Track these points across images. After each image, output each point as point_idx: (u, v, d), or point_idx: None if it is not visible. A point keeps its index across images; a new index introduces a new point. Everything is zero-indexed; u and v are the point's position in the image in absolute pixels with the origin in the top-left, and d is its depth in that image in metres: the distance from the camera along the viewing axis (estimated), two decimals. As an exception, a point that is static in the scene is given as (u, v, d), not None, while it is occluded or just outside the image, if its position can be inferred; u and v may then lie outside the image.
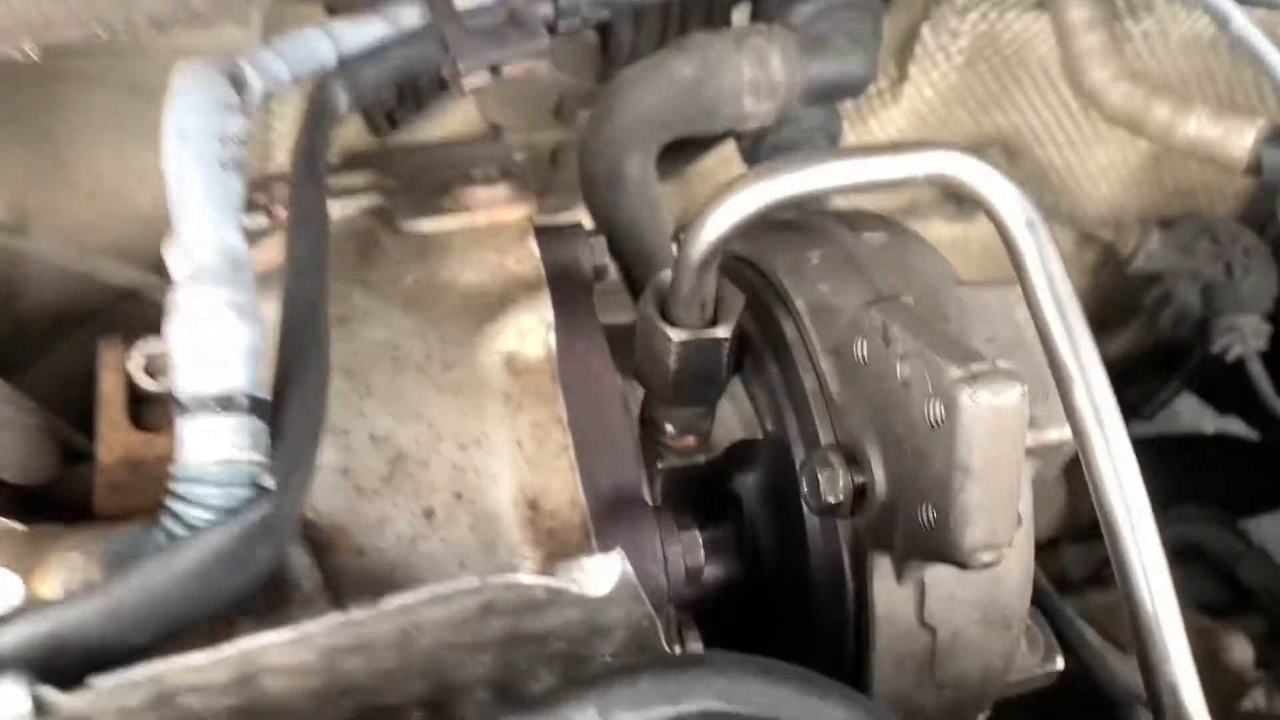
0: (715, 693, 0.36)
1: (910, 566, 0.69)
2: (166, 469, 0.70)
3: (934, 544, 0.61)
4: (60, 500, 0.72)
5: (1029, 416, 0.60)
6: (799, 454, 0.74)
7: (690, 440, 0.78)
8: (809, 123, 1.20)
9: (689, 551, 0.65)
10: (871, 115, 1.39)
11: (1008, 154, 1.51)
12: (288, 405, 0.50)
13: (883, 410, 0.67)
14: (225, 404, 0.48)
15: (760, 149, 1.28)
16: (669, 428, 0.77)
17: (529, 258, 0.70)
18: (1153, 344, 1.58)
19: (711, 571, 0.79)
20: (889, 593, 0.70)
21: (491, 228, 0.72)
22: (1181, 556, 1.32)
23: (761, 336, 0.78)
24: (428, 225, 0.72)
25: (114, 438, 0.70)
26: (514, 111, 1.21)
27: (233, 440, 0.48)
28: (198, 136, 0.54)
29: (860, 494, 0.67)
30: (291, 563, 0.59)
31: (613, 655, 0.52)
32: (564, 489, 0.63)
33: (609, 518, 0.64)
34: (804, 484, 0.71)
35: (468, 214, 0.72)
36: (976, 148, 0.70)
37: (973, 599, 0.71)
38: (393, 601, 0.43)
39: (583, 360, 0.70)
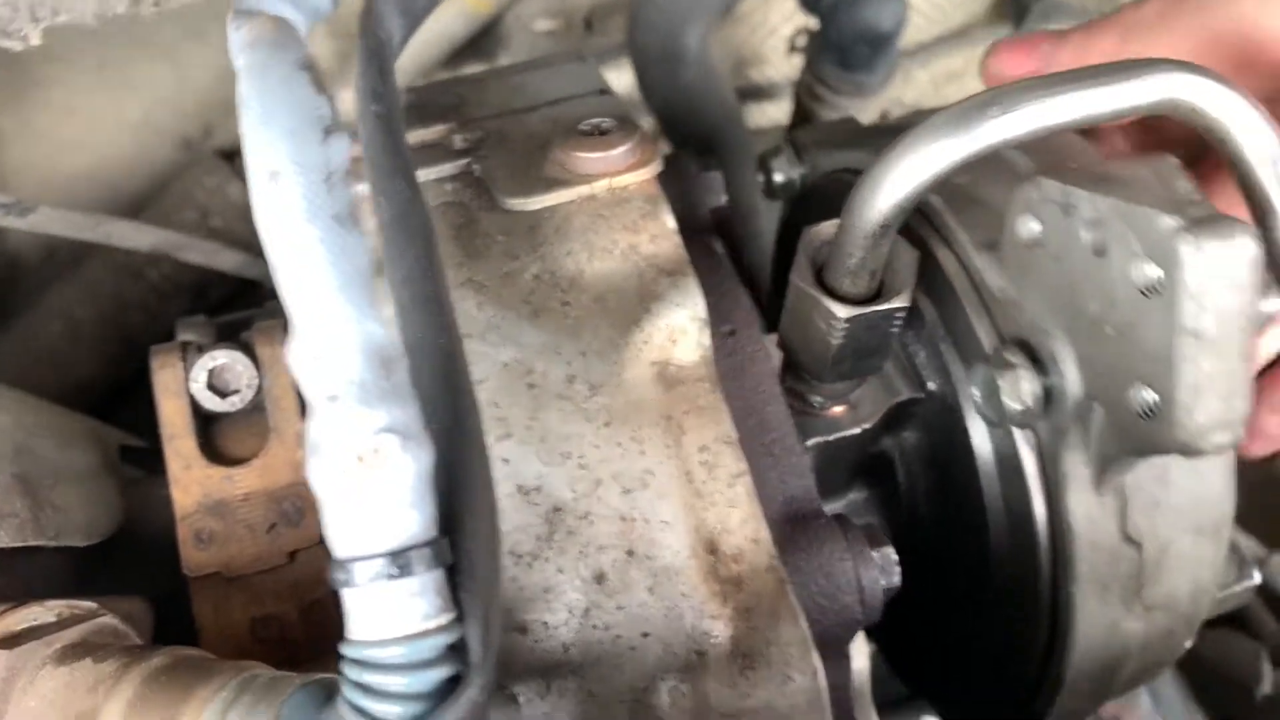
0: None
1: (1111, 471, 0.60)
2: (254, 509, 0.61)
3: (1154, 432, 0.53)
4: (129, 545, 0.62)
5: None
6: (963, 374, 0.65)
7: (837, 410, 0.68)
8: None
9: (885, 573, 0.56)
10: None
11: None
12: (463, 530, 0.39)
13: (1066, 291, 0.58)
14: (400, 563, 0.37)
15: (822, -6, 1.13)
16: (816, 399, 0.67)
17: (665, 234, 0.57)
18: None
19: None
20: (1087, 506, 0.61)
21: (614, 197, 0.58)
22: None
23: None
24: (537, 201, 0.58)
25: (188, 476, 0.60)
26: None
27: (417, 608, 0.37)
28: (298, 181, 0.40)
29: (1048, 394, 0.59)
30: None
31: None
32: (744, 524, 0.53)
33: (791, 547, 0.55)
34: (979, 395, 0.62)
35: (585, 184, 0.58)
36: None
37: (1178, 504, 0.63)
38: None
39: (732, 348, 0.59)
